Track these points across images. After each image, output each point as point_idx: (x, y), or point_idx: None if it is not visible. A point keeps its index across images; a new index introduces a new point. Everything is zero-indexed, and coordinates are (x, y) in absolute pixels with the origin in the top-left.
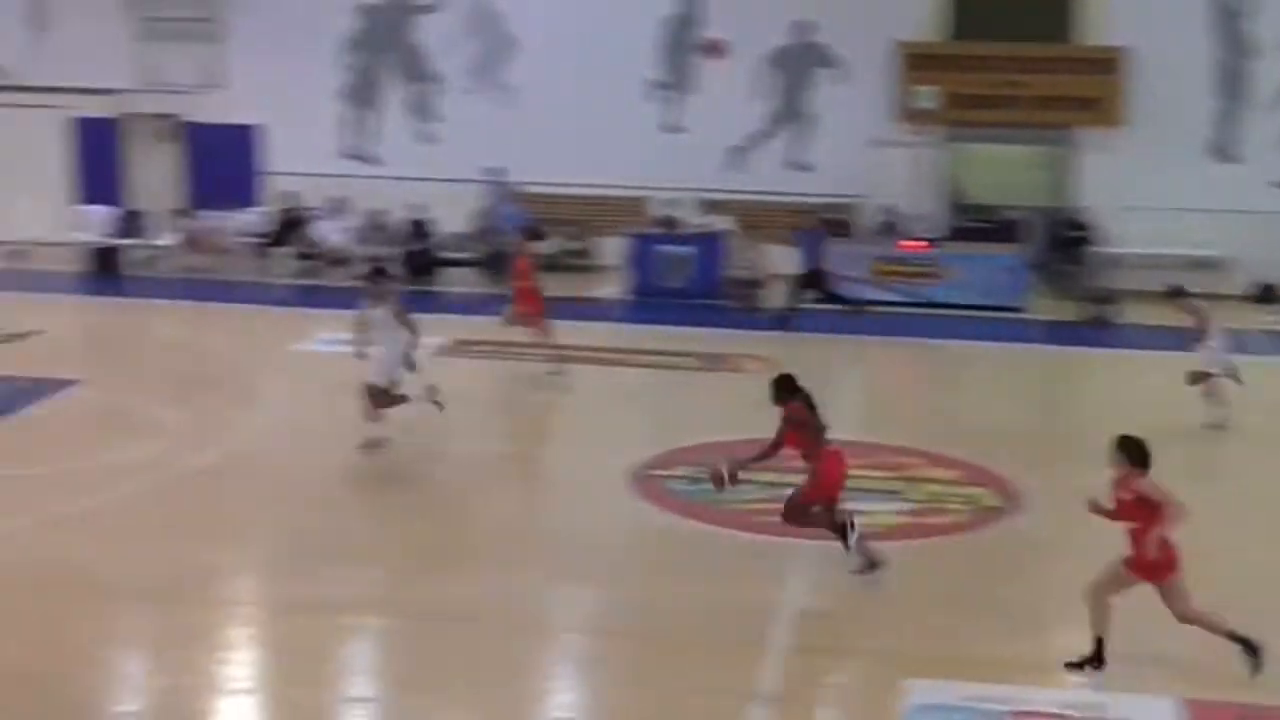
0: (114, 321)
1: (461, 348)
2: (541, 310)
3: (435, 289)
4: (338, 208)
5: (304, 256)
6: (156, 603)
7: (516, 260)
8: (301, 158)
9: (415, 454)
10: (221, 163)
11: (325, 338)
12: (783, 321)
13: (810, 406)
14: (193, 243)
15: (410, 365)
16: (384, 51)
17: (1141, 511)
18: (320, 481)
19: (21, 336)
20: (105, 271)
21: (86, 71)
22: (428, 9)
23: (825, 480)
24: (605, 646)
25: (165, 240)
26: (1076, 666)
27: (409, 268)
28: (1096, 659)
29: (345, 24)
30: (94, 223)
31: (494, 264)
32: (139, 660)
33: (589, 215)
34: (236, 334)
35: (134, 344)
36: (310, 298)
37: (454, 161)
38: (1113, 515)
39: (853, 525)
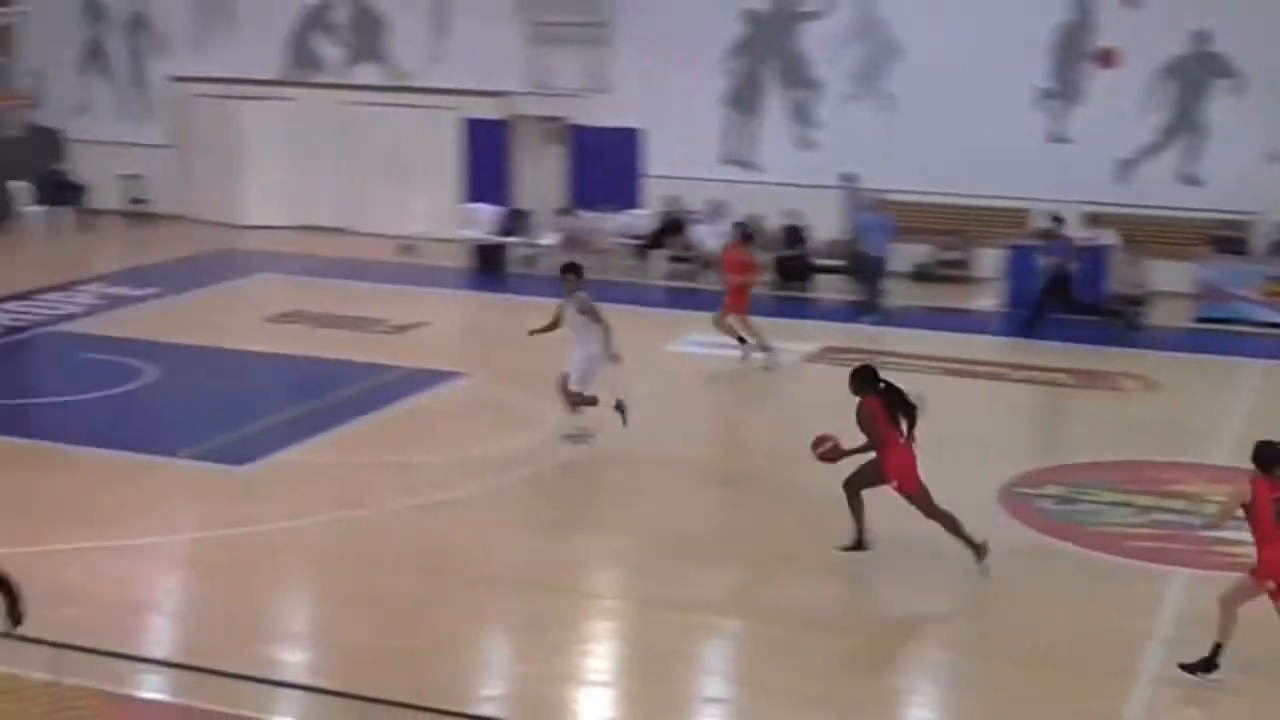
0: (496, 317)
1: (831, 355)
2: (741, 306)
3: (807, 295)
4: (715, 212)
5: (680, 259)
6: (522, 591)
7: (725, 257)
8: (681, 162)
9: (777, 458)
10: (604, 165)
11: (697, 340)
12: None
13: (894, 402)
14: (572, 242)
15: (612, 359)
16: (767, 57)
17: None
18: (685, 480)
19: (409, 329)
20: (490, 268)
21: (479, 74)
22: (813, 15)
23: (890, 469)
24: (962, 662)
25: (547, 239)
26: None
27: (781, 273)
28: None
29: (730, 30)
30: (480, 221)
31: (858, 271)
32: (504, 646)
33: (967, 225)
34: (613, 332)
35: (515, 339)
36: (684, 300)
37: (831, 168)
38: None
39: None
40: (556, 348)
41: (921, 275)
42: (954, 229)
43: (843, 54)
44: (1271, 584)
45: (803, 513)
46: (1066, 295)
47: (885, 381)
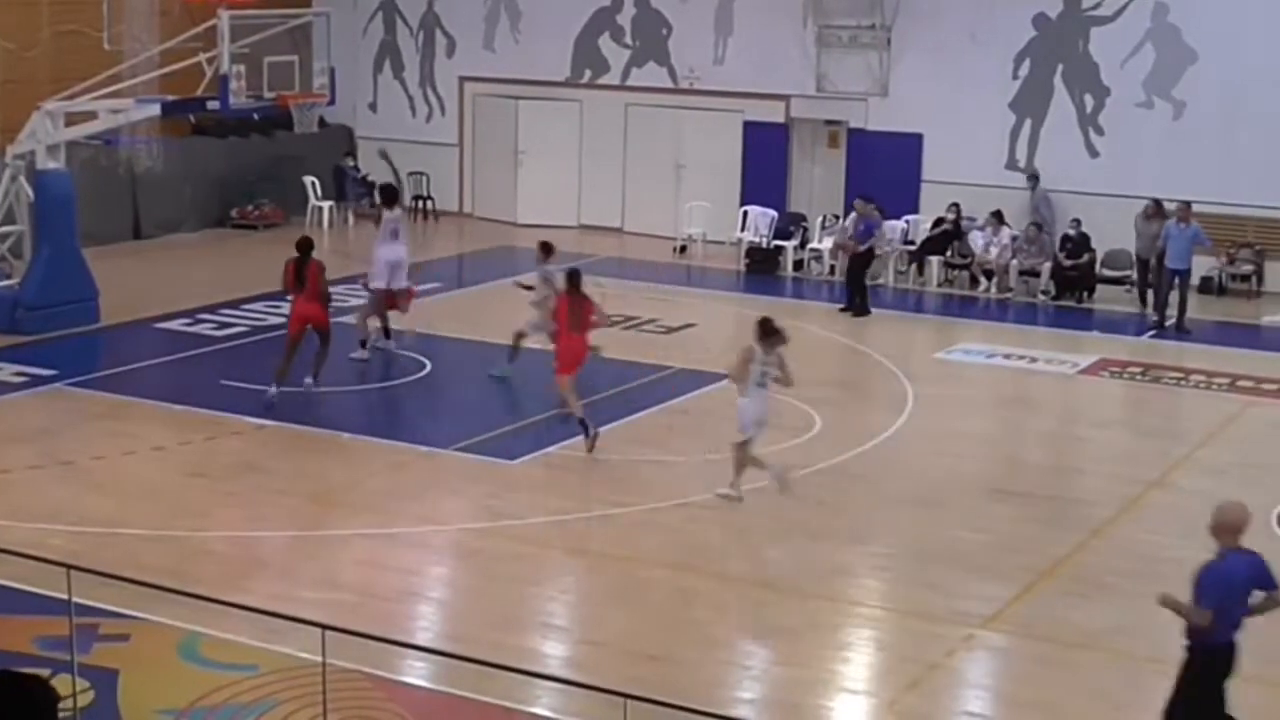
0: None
1: (1106, 368)
2: None
3: (1086, 306)
4: (994, 220)
5: (956, 266)
6: (781, 594)
7: None
8: (962, 167)
9: (1050, 471)
10: (882, 169)
11: (970, 348)
12: None
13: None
14: (847, 247)
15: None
16: (1055, 63)
17: None
18: (954, 490)
19: (679, 329)
20: (764, 271)
21: (760, 77)
22: (1103, 20)
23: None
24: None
25: (822, 244)
26: None
27: (1063, 284)
28: None
29: (1016, 34)
30: (756, 223)
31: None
32: (760, 649)
33: (1263, 238)
34: (886, 339)
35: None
36: (959, 307)
37: (1118, 176)
38: None
39: None
40: (827, 353)
41: (1208, 288)
42: (1244, 241)
43: (1133, 59)
44: None
45: (1077, 528)
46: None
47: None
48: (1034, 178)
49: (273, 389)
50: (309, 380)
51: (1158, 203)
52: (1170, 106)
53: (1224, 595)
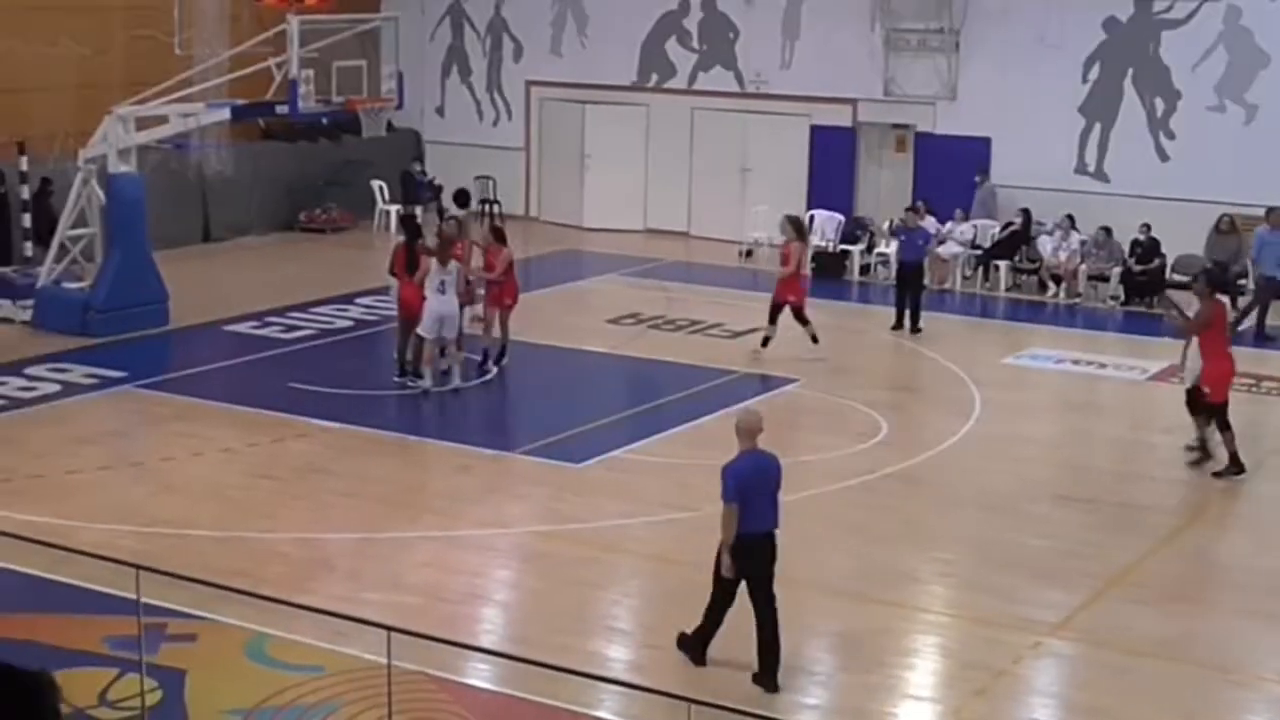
0: (834, 324)
1: (1178, 374)
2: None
3: (1158, 311)
4: (1063, 224)
5: (1024, 271)
6: (847, 600)
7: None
8: (1030, 171)
9: (1118, 478)
10: (949, 173)
11: (1038, 353)
12: None
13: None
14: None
15: None
16: (1125, 66)
17: None
18: (1022, 495)
19: (745, 334)
20: (830, 275)
21: (827, 81)
22: (1175, 23)
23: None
24: None
25: (888, 248)
26: None
27: (1132, 289)
28: None
29: (1086, 37)
30: (823, 228)
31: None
32: (826, 655)
33: None
34: (952, 343)
35: (852, 347)
36: (1027, 312)
37: (1188, 180)
38: None
39: None
40: (892, 356)
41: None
42: None
43: (1205, 63)
44: None
45: (1145, 535)
46: None
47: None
48: (983, 173)
49: (424, 381)
50: (421, 381)
51: (1231, 219)
52: (1242, 110)
53: (743, 488)
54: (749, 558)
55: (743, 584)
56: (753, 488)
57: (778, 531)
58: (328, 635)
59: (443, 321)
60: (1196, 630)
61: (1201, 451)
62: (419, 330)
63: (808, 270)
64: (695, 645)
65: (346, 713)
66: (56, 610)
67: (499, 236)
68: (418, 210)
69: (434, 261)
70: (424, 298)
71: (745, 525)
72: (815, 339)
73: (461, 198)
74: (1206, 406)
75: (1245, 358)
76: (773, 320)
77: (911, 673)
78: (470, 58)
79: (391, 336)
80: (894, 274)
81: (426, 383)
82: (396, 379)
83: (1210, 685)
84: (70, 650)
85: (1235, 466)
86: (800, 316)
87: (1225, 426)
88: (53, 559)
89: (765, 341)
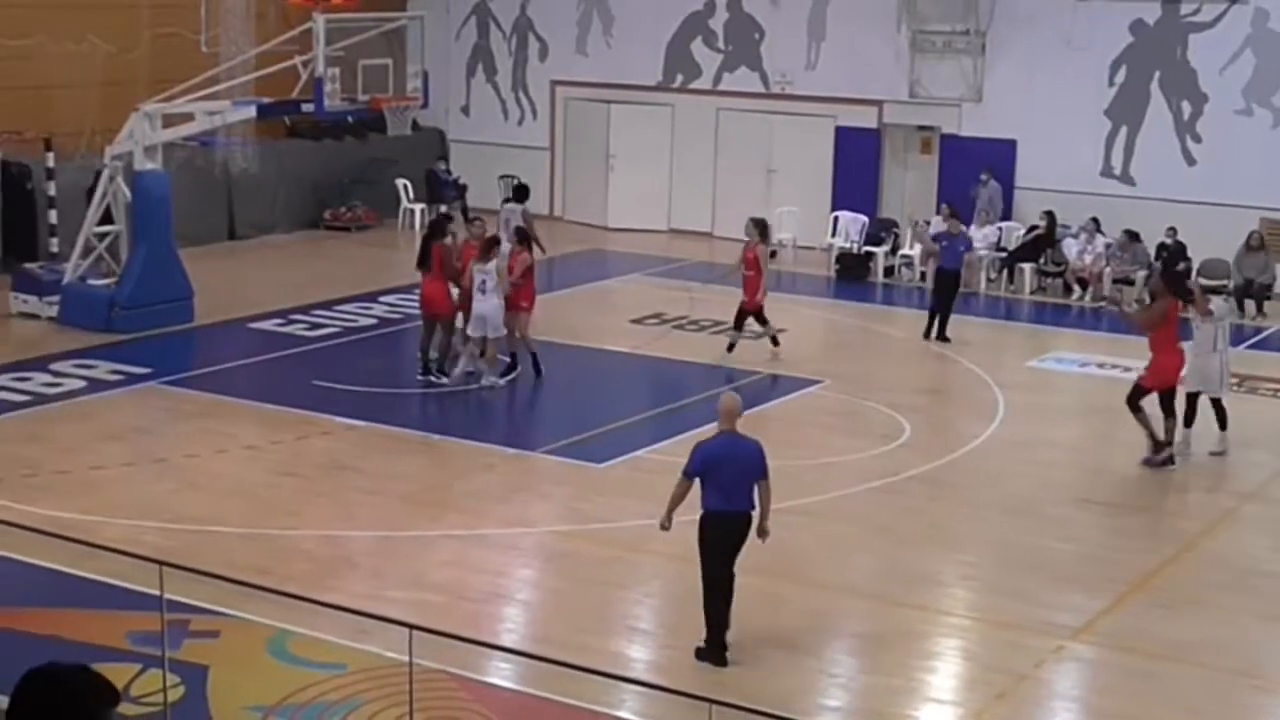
0: (858, 326)
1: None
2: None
3: (1184, 315)
4: (1089, 227)
5: (1049, 274)
6: (870, 602)
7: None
8: (1055, 174)
9: (1143, 482)
10: (974, 176)
11: (1063, 356)
12: None
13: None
14: (935, 253)
15: None
16: (1152, 69)
17: None
18: (1046, 499)
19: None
20: (854, 277)
21: (853, 82)
22: (1202, 26)
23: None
24: None
25: (911, 250)
26: None
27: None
28: None
29: (1113, 40)
30: (847, 229)
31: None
32: (848, 657)
33: None
34: (976, 346)
35: (876, 349)
36: (1052, 315)
37: (1214, 184)
38: None
39: None
40: (914, 358)
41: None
42: None
43: (1232, 66)
44: None
45: (1168, 540)
46: None
47: None
48: (989, 171)
49: (450, 374)
50: (445, 378)
51: (1261, 236)
52: (1270, 114)
53: (710, 466)
54: (720, 530)
55: (721, 565)
56: (722, 468)
57: (778, 531)
58: (350, 633)
59: (485, 321)
60: (1219, 635)
61: (1162, 445)
62: (468, 330)
63: (767, 270)
64: (713, 650)
65: (368, 710)
66: (80, 605)
67: (522, 238)
68: (443, 209)
69: (473, 261)
70: (449, 294)
71: (715, 503)
72: (776, 341)
73: (520, 193)
74: (1140, 393)
75: (1267, 363)
76: (738, 325)
77: (933, 676)
78: (496, 57)
79: (415, 335)
80: (931, 281)
81: (493, 378)
82: (420, 377)
83: (1233, 690)
84: (93, 645)
85: (1162, 451)
86: (760, 318)
87: (1169, 413)
88: (77, 554)
89: (775, 340)
